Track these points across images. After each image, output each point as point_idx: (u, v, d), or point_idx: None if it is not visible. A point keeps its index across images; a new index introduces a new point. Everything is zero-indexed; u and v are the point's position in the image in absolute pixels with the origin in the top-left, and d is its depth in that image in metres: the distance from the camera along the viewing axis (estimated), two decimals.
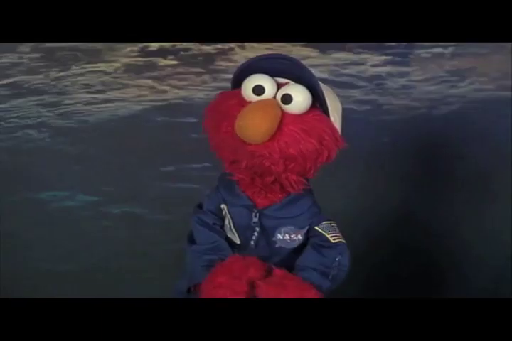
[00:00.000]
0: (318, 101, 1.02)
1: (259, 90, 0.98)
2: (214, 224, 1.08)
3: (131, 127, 1.99)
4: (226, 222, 1.08)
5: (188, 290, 1.07)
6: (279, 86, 1.00)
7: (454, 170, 1.96)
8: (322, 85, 1.04)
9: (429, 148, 1.96)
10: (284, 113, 0.99)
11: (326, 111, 1.03)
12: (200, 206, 1.12)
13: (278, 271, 1.00)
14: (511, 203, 1.92)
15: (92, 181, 1.98)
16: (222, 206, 1.08)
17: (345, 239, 1.10)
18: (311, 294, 0.99)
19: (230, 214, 1.07)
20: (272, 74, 1.00)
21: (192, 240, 1.10)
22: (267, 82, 0.99)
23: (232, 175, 1.05)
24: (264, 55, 1.02)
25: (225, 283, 0.97)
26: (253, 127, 0.95)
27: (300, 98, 0.98)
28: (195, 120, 2.00)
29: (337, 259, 1.06)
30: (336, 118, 1.05)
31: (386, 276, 1.85)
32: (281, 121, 0.97)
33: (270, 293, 0.97)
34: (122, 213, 1.98)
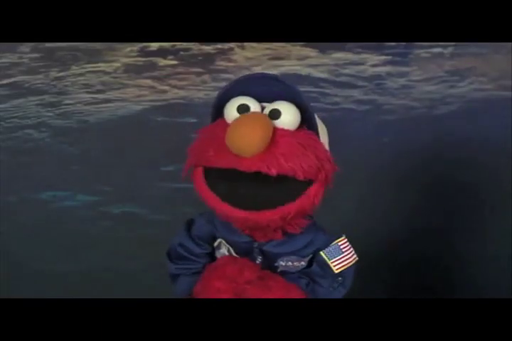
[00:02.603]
0: (306, 123, 0.95)
1: (243, 109, 0.92)
2: (200, 253, 1.04)
3: (131, 127, 1.99)
4: (223, 250, 1.05)
5: None
6: (262, 107, 0.94)
7: (453, 170, 1.96)
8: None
9: (428, 147, 1.96)
10: (275, 127, 0.92)
11: (315, 131, 0.97)
12: (189, 224, 1.07)
13: (263, 273, 0.99)
14: (511, 203, 1.92)
15: (92, 181, 1.98)
16: (219, 240, 1.04)
17: (355, 255, 1.05)
18: (297, 294, 0.98)
19: (229, 244, 1.03)
20: (253, 96, 0.93)
21: (170, 257, 1.08)
22: (250, 101, 0.92)
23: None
24: (244, 77, 0.96)
25: (223, 288, 0.96)
26: (245, 137, 0.88)
27: (289, 112, 0.92)
28: (195, 120, 2.01)
29: (337, 280, 1.03)
30: (325, 142, 1.00)
31: (390, 276, 1.85)
32: (274, 134, 0.91)
33: (256, 295, 0.96)
34: (122, 213, 1.98)
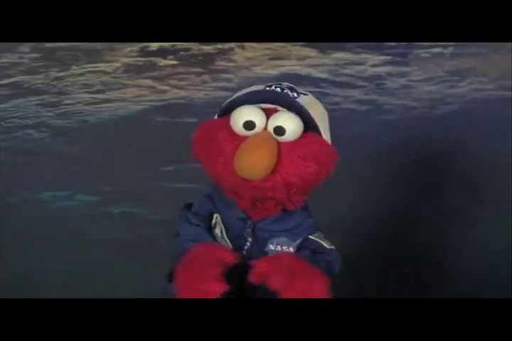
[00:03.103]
0: (306, 124, 0.99)
1: (249, 125, 0.97)
2: (197, 225, 1.06)
3: (131, 127, 2.00)
4: (217, 230, 1.06)
5: (170, 277, 1.06)
6: (267, 113, 0.99)
7: (453, 170, 1.96)
8: (307, 97, 1.03)
9: (428, 147, 1.96)
10: (279, 142, 0.98)
11: (316, 129, 1.01)
12: (189, 205, 1.10)
13: (285, 259, 1.00)
14: (511, 202, 1.92)
15: (92, 181, 1.99)
16: (216, 215, 1.07)
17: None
18: (322, 284, 0.98)
19: (223, 223, 1.06)
20: (259, 102, 0.99)
21: (177, 234, 1.10)
22: (256, 116, 0.98)
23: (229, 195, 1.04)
24: (255, 91, 1.03)
25: (191, 283, 0.97)
26: (253, 166, 0.95)
27: (292, 127, 0.97)
28: (195, 120, 2.01)
29: (327, 261, 1.06)
30: (325, 130, 1.04)
31: (385, 276, 1.85)
32: (278, 152, 0.97)
33: (283, 282, 0.96)
34: (122, 213, 1.98)
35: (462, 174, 1.95)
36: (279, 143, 0.98)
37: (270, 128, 0.98)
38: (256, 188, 0.98)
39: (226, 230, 1.06)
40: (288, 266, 0.98)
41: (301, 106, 1.00)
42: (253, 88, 1.05)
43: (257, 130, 0.98)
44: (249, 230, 1.05)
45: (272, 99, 1.00)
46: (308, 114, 1.00)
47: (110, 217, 1.97)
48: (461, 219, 1.94)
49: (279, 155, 0.97)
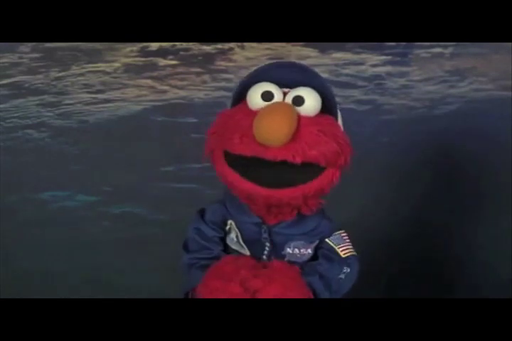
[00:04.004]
0: (326, 108, 0.99)
1: (268, 96, 0.95)
2: (213, 236, 1.05)
3: (131, 127, 2.00)
4: (232, 235, 1.05)
5: (186, 295, 1.05)
6: (284, 93, 0.97)
7: (453, 170, 1.96)
8: None
9: (428, 147, 1.96)
10: (298, 115, 0.95)
11: (334, 116, 1.01)
12: (201, 212, 1.08)
13: (275, 263, 0.99)
14: (511, 203, 1.92)
15: (92, 181, 1.99)
16: (230, 222, 1.05)
17: (355, 251, 1.08)
18: (295, 294, 0.98)
19: (238, 228, 1.05)
20: (276, 82, 0.97)
21: (187, 248, 1.07)
22: (273, 88, 0.96)
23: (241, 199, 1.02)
24: (266, 65, 1.02)
25: (220, 287, 0.96)
26: (274, 129, 0.91)
27: (312, 99, 0.95)
28: (195, 120, 2.01)
29: (344, 272, 1.05)
30: (341, 124, 1.03)
31: (389, 276, 1.85)
32: (297, 123, 0.94)
33: (257, 285, 0.96)
34: (122, 213, 1.98)
35: (462, 174, 1.95)
36: (298, 115, 0.95)
37: (288, 99, 0.96)
38: (271, 196, 0.96)
39: (242, 235, 1.05)
40: (269, 271, 0.98)
41: (322, 84, 0.98)
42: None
43: (275, 101, 0.96)
44: (265, 235, 1.04)
45: (289, 79, 0.98)
46: (329, 93, 0.99)
47: (110, 217, 1.97)
48: (461, 218, 1.94)
49: (298, 126, 0.94)
